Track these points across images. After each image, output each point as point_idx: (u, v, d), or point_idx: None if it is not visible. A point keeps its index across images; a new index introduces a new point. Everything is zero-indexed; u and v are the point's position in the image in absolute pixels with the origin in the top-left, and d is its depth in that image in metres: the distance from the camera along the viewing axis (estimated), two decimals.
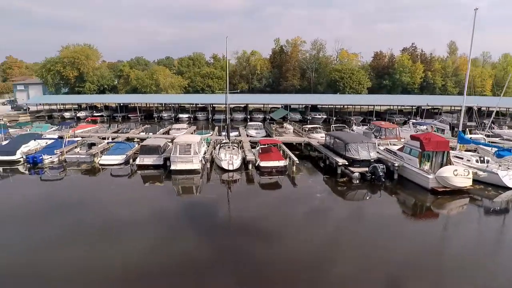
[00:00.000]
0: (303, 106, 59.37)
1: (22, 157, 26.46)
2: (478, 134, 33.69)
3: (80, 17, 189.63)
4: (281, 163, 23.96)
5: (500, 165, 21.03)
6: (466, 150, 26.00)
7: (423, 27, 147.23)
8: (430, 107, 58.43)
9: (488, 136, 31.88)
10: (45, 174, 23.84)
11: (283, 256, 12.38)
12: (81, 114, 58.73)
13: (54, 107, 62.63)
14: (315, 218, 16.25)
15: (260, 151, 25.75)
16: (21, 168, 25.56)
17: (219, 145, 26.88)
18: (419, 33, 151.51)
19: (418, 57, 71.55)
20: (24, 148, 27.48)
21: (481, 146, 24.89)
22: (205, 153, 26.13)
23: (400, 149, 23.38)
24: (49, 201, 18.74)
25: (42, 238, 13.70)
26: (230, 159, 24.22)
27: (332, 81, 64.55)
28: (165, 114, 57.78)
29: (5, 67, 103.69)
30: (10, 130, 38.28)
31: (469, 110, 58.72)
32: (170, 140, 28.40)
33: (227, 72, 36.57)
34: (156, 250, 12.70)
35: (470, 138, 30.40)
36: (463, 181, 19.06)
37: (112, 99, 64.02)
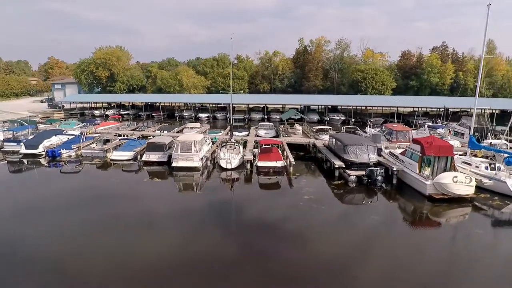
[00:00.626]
0: (323, 107, 58.43)
1: (44, 151, 28.69)
2: (502, 138, 31.42)
3: (123, 20, 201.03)
4: (279, 163, 23.96)
5: (511, 173, 19.59)
6: (483, 156, 24.30)
7: (462, 25, 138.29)
8: (459, 110, 55.13)
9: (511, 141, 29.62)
10: (65, 167, 25.61)
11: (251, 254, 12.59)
12: (109, 112, 62.10)
13: (86, 105, 66.88)
14: (294, 220, 16.14)
15: (260, 151, 25.90)
16: (42, 160, 27.72)
17: (221, 144, 27.43)
18: (457, 32, 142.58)
19: (449, 56, 67.50)
20: (46, 143, 29.80)
21: (492, 152, 23.22)
22: (208, 151, 26.76)
23: (403, 153, 22.48)
24: (66, 191, 20.13)
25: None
26: (228, 158, 24.69)
27: (354, 81, 62.82)
28: (185, 114, 59.55)
29: (47, 67, 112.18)
30: (40, 126, 41.63)
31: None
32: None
33: (231, 72, 36.83)
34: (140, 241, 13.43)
35: (490, 143, 28.54)
36: (464, 188, 17.98)
37: (136, 98, 66.95)
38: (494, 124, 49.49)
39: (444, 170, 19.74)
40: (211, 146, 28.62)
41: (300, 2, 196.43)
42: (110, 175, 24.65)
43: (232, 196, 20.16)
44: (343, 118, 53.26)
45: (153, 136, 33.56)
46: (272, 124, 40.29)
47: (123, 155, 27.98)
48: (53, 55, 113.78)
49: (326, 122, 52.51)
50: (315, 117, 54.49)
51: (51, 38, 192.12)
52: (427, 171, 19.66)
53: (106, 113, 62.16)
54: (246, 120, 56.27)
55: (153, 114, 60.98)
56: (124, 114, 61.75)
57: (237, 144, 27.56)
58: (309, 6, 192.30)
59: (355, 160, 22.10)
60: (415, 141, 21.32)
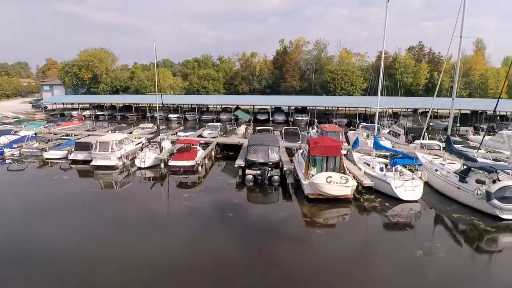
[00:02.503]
0: (293, 107, 58.58)
1: None
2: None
3: (131, 22, 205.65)
4: (190, 163, 24.55)
5: (401, 174, 19.51)
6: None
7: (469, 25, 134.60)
8: (424, 110, 54.47)
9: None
10: (12, 165, 26.62)
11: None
12: (86, 112, 63.92)
13: (71, 106, 68.91)
14: (174, 214, 17.49)
15: (176, 151, 26.57)
16: None
17: (145, 144, 28.22)
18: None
19: (426, 56, 66.36)
20: None
21: (392, 152, 23.15)
22: (132, 151, 27.65)
23: (302, 153, 22.71)
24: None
25: None
26: (142, 157, 25.53)
27: (324, 82, 62.61)
28: (156, 114, 60.51)
29: (45, 68, 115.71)
30: (8, 126, 43.46)
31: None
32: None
33: (156, 73, 37.06)
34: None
35: (421, 144, 28.44)
36: (338, 189, 18.07)
37: (111, 99, 68.17)
38: (458, 124, 48.87)
39: (333, 171, 19.90)
40: (142, 146, 29.26)
41: (307, 2, 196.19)
42: (40, 172, 25.87)
43: (141, 193, 21.14)
44: (307, 119, 53.28)
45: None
46: (219, 125, 40.77)
47: (56, 154, 29.21)
48: (60, 56, 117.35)
49: (291, 123, 52.74)
50: (280, 118, 54.72)
51: (58, 40, 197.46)
52: (313, 171, 19.82)
53: (83, 113, 64.06)
54: (214, 120, 56.90)
55: (127, 115, 62.40)
56: (100, 114, 63.58)
57: (161, 144, 28.27)
58: (316, 6, 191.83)
59: (255, 159, 22.46)
60: (307, 141, 21.53)
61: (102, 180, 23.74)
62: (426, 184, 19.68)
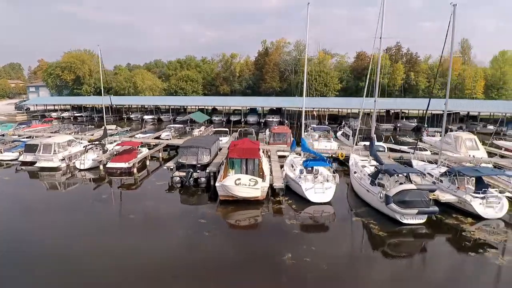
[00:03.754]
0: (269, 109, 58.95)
1: None
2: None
3: (130, 21, 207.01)
4: (126, 164, 24.96)
5: (315, 177, 19.75)
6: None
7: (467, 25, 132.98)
8: (398, 111, 54.54)
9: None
10: None
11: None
12: (65, 114, 64.79)
13: (56, 107, 69.86)
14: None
15: (116, 153, 27.01)
16: None
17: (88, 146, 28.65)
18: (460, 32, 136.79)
19: (403, 57, 66.21)
20: None
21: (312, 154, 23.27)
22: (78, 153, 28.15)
23: None
24: None
25: None
26: (82, 159, 26.03)
27: (299, 83, 62.72)
28: (132, 116, 61.27)
29: (36, 69, 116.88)
30: None
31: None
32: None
33: (103, 76, 37.23)
34: None
35: (364, 145, 28.64)
36: (247, 191, 18.31)
37: (90, 100, 68.51)
38: (426, 125, 48.75)
39: (252, 173, 20.25)
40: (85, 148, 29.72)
41: (306, 2, 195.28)
42: None
43: (77, 194, 21.74)
44: (278, 119, 53.55)
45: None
46: (182, 126, 41.17)
47: (9, 155, 29.81)
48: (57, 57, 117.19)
49: (262, 124, 53.12)
50: (252, 119, 55.04)
51: (57, 40, 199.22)
52: (231, 173, 20.15)
53: (62, 115, 65.00)
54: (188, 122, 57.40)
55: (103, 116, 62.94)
56: (78, 116, 64.36)
57: (105, 146, 28.73)
58: (315, 8, 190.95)
59: (184, 161, 22.83)
60: (231, 144, 21.85)
61: (45, 182, 24.20)
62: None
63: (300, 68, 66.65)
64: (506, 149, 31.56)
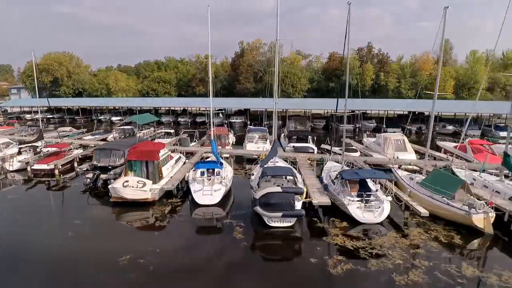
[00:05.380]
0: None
1: None
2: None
3: (128, 21, 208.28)
4: (49, 166, 25.14)
5: (208, 179, 19.65)
6: None
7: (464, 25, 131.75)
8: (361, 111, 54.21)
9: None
10: None
11: None
12: (38, 116, 65.24)
13: (36, 109, 70.33)
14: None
15: (44, 155, 27.22)
16: None
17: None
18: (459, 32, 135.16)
19: (375, 57, 65.75)
20: None
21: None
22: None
23: None
24: None
25: None
26: (10, 161, 26.36)
27: (266, 84, 62.67)
28: (101, 117, 61.62)
29: (26, 71, 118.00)
30: None
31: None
32: None
33: (35, 76, 38.01)
34: None
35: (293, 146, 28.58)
36: (134, 193, 18.45)
37: (66, 102, 69.06)
38: (384, 126, 48.53)
39: (153, 174, 20.30)
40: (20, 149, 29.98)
41: (305, 3, 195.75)
42: None
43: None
44: (242, 121, 53.56)
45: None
46: (131, 128, 41.22)
47: None
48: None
49: (226, 125, 53.09)
50: (217, 121, 54.92)
51: (55, 41, 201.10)
52: (130, 175, 20.18)
53: (35, 116, 65.59)
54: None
55: (75, 117, 63.57)
56: (50, 117, 64.87)
57: (37, 148, 28.94)
58: (313, 8, 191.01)
59: (96, 163, 22.92)
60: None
61: None
62: None
63: (268, 70, 66.86)
64: (445, 151, 31.23)
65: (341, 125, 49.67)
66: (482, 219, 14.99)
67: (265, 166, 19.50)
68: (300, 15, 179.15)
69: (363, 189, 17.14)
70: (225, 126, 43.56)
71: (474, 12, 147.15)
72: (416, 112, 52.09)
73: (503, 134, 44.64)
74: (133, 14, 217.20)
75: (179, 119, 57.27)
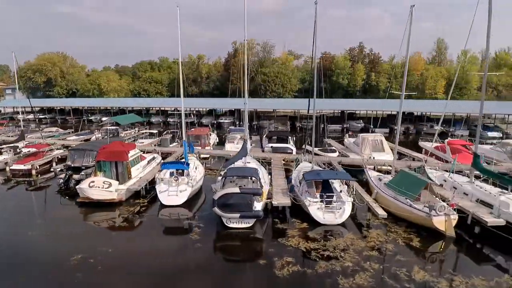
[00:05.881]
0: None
1: None
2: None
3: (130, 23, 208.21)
4: (27, 166, 25.22)
5: (175, 180, 19.54)
6: None
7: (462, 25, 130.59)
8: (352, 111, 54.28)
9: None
10: None
11: None
12: (30, 116, 65.45)
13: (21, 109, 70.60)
14: None
15: (24, 155, 27.31)
16: None
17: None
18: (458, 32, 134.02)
19: (366, 57, 65.51)
20: None
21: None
22: None
23: None
24: None
25: None
26: None
27: (258, 84, 62.57)
28: (92, 117, 61.69)
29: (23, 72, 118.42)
30: None
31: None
32: None
33: (16, 77, 37.99)
34: None
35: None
36: (100, 193, 18.46)
37: (55, 102, 69.06)
38: (372, 126, 48.36)
39: (122, 175, 20.30)
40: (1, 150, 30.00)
41: (304, 3, 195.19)
42: None
43: None
44: (231, 121, 53.58)
45: None
46: (115, 128, 41.22)
47: None
48: None
49: (215, 125, 53.13)
50: (206, 120, 55.09)
51: (53, 41, 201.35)
52: (99, 175, 20.14)
53: (27, 117, 65.78)
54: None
55: (66, 118, 63.73)
56: (42, 118, 65.05)
57: (17, 148, 29.01)
58: (313, 9, 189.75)
59: (70, 164, 22.95)
60: None
61: None
62: None
63: (259, 70, 66.85)
64: (425, 152, 31.02)
65: (330, 126, 49.87)
66: (443, 221, 14.80)
67: (230, 167, 19.39)
68: (300, 15, 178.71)
69: (326, 190, 17.03)
70: (209, 126, 43.49)
71: (473, 12, 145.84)
72: (406, 113, 52.00)
73: (491, 134, 44.55)
74: (133, 14, 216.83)
75: (168, 119, 57.24)
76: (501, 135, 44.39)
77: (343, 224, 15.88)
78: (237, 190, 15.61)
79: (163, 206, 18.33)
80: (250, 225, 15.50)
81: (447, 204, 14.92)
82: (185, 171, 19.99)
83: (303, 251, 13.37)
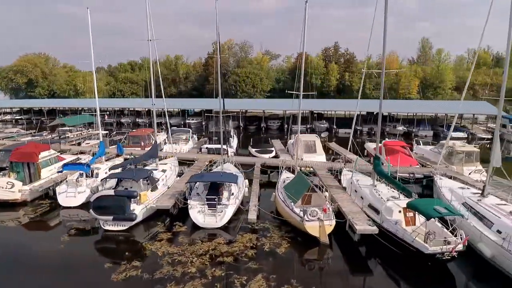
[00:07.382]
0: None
1: None
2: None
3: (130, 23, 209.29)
4: None
5: (77, 181, 19.49)
6: None
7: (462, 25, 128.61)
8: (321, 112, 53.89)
9: None
10: None
11: None
12: (7, 117, 66.27)
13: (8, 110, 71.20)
14: None
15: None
16: None
17: None
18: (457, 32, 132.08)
19: (341, 57, 64.94)
20: None
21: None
22: None
23: None
24: None
25: None
26: None
27: (230, 85, 62.43)
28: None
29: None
30: None
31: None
32: None
33: None
34: None
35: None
36: (3, 193, 18.58)
37: (39, 103, 69.56)
38: (335, 126, 48.00)
39: (34, 175, 20.39)
40: None
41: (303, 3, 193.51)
42: None
43: None
44: (199, 121, 53.54)
45: None
46: (68, 129, 41.29)
47: None
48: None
49: (182, 126, 53.02)
50: (174, 121, 54.90)
51: (52, 41, 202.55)
52: (12, 176, 20.15)
53: (4, 117, 66.50)
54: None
55: (41, 119, 64.03)
56: (18, 119, 65.53)
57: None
58: (312, 9, 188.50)
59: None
60: None
61: None
62: None
63: (233, 70, 66.84)
64: (368, 153, 30.69)
65: (294, 126, 49.46)
66: (316, 227, 14.41)
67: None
68: (299, 15, 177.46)
69: (213, 193, 16.82)
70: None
71: (470, 12, 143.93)
72: (374, 113, 51.40)
73: (455, 134, 43.82)
74: (133, 14, 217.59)
75: (137, 119, 57.33)
76: (466, 136, 43.72)
77: (224, 228, 15.66)
78: (111, 192, 15.50)
79: (64, 207, 18.35)
80: (126, 228, 15.36)
81: (319, 209, 14.57)
82: (85, 172, 19.89)
83: (157, 255, 13.19)
